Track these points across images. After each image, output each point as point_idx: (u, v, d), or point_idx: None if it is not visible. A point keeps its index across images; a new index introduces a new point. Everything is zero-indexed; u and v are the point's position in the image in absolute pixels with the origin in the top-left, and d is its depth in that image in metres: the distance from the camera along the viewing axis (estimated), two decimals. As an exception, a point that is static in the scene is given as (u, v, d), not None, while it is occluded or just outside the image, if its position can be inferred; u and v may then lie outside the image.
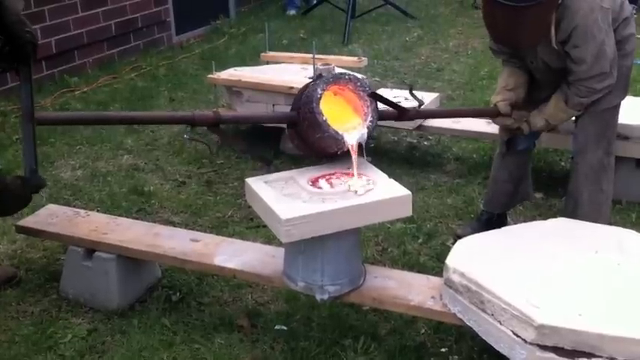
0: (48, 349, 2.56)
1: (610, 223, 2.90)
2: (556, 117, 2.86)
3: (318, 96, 2.42)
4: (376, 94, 2.56)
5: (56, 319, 2.73)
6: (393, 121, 3.13)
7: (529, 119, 2.91)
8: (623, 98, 2.90)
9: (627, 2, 2.81)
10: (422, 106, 2.93)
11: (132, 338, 2.60)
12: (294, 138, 2.62)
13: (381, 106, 2.60)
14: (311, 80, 2.60)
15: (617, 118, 2.93)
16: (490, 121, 3.41)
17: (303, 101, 2.47)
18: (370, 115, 2.52)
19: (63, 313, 2.77)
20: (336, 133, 2.41)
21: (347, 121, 2.52)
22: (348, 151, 2.45)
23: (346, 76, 2.53)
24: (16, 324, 2.70)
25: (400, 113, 2.77)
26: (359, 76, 4.34)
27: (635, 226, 3.23)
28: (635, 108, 3.66)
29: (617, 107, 2.89)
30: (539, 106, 2.90)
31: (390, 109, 2.74)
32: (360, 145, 2.45)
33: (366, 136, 2.47)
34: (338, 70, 4.26)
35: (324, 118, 2.40)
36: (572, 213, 2.86)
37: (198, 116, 2.56)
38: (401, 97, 4.17)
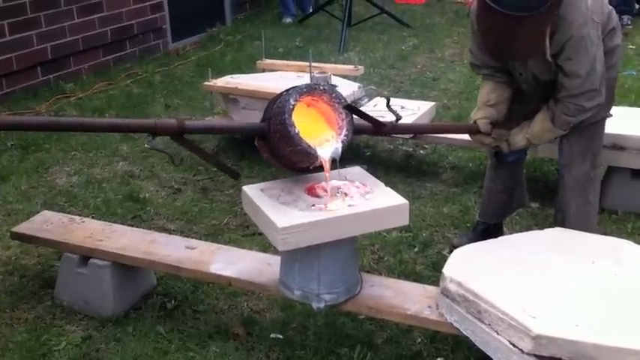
0: (42, 356, 2.55)
1: (605, 233, 2.91)
2: (541, 137, 2.79)
3: (291, 107, 2.29)
4: (352, 106, 2.45)
5: (50, 326, 2.72)
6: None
7: (509, 138, 2.84)
8: (608, 111, 2.87)
9: (614, 12, 2.76)
10: (399, 120, 2.81)
11: (126, 346, 2.59)
12: (264, 150, 2.49)
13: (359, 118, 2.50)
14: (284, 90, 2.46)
15: (603, 130, 2.89)
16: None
17: (274, 112, 2.33)
18: (345, 128, 2.40)
19: (57, 320, 2.76)
20: (309, 147, 2.29)
21: (320, 134, 2.41)
22: (321, 165, 2.34)
23: (321, 87, 2.43)
24: (10, 331, 2.69)
25: (376, 127, 2.66)
26: (355, 83, 4.34)
27: (631, 236, 3.23)
28: (630, 118, 3.68)
29: (602, 121, 2.85)
30: (521, 124, 2.83)
31: (366, 122, 2.62)
32: (333, 161, 2.35)
33: (340, 150, 2.35)
34: (334, 79, 4.30)
35: (296, 131, 2.27)
36: (561, 225, 2.84)
37: (160, 125, 2.42)
38: (397, 105, 4.19)
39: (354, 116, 2.49)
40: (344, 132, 2.40)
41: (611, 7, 2.76)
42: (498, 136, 2.84)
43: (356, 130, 2.51)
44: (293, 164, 2.42)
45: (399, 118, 2.72)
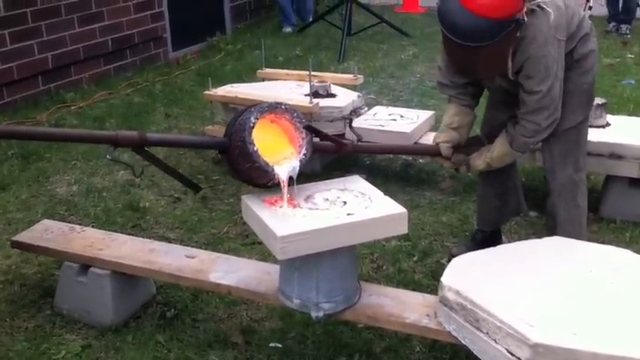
0: (42, 365, 2.56)
1: (602, 242, 2.91)
2: (500, 160, 2.84)
3: (251, 125, 2.35)
4: (311, 126, 2.52)
5: (50, 335, 2.72)
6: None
7: (469, 162, 2.89)
8: (585, 115, 2.85)
9: (587, 18, 2.75)
10: (360, 140, 2.85)
11: (126, 355, 2.59)
12: (226, 163, 2.56)
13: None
14: (247, 107, 2.51)
15: (585, 135, 2.89)
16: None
17: (236, 128, 2.40)
18: (305, 147, 2.47)
19: (57, 329, 2.76)
20: (267, 164, 2.35)
21: (281, 151, 2.47)
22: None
23: (282, 106, 2.47)
24: (10, 339, 2.69)
25: (337, 147, 2.71)
26: (354, 92, 4.35)
27: (630, 245, 3.24)
28: (628, 127, 3.70)
29: (581, 125, 2.83)
30: (480, 149, 2.88)
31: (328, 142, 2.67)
32: (290, 179, 2.40)
33: (297, 169, 2.41)
34: (334, 88, 4.32)
35: (255, 149, 2.33)
36: (553, 230, 2.86)
37: (122, 136, 2.46)
38: (396, 114, 4.21)
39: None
40: (303, 151, 2.46)
41: (584, 13, 2.75)
42: (458, 161, 2.90)
43: (318, 149, 2.58)
44: (252, 179, 2.47)
45: (360, 139, 2.82)
